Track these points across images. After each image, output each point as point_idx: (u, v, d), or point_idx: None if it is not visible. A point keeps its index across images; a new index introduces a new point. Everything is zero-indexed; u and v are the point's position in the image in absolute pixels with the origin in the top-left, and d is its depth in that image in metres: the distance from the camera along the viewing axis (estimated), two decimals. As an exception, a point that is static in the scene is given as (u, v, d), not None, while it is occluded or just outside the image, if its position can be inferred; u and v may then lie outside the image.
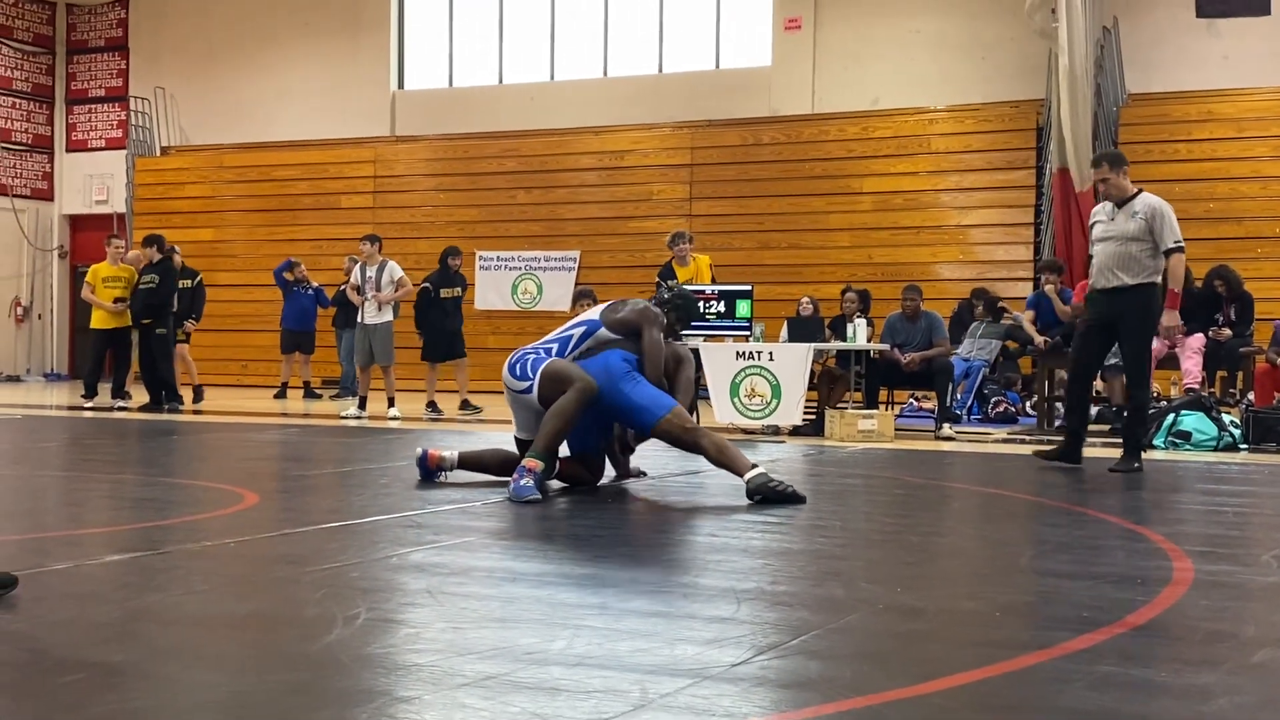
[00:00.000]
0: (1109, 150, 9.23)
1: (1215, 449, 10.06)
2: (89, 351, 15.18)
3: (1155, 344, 11.67)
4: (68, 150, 23.83)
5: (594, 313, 7.13)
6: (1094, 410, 12.59)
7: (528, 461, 6.41)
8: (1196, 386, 11.51)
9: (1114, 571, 4.56)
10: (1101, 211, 8.55)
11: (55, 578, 4.18)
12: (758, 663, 3.13)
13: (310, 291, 17.26)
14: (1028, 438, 11.26)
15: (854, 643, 3.45)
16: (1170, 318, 8.33)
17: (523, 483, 6.28)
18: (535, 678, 2.94)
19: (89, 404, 14.24)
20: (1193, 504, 7.17)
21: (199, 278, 15.57)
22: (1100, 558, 4.92)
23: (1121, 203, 8.38)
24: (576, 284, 16.95)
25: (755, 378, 11.19)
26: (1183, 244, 8.26)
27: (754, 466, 6.35)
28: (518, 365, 6.89)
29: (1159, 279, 8.27)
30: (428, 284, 14.04)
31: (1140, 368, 8.44)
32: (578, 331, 7.00)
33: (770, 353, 11.23)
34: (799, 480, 6.83)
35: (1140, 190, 8.49)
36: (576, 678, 2.96)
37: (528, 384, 6.76)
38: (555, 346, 6.94)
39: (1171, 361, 11.89)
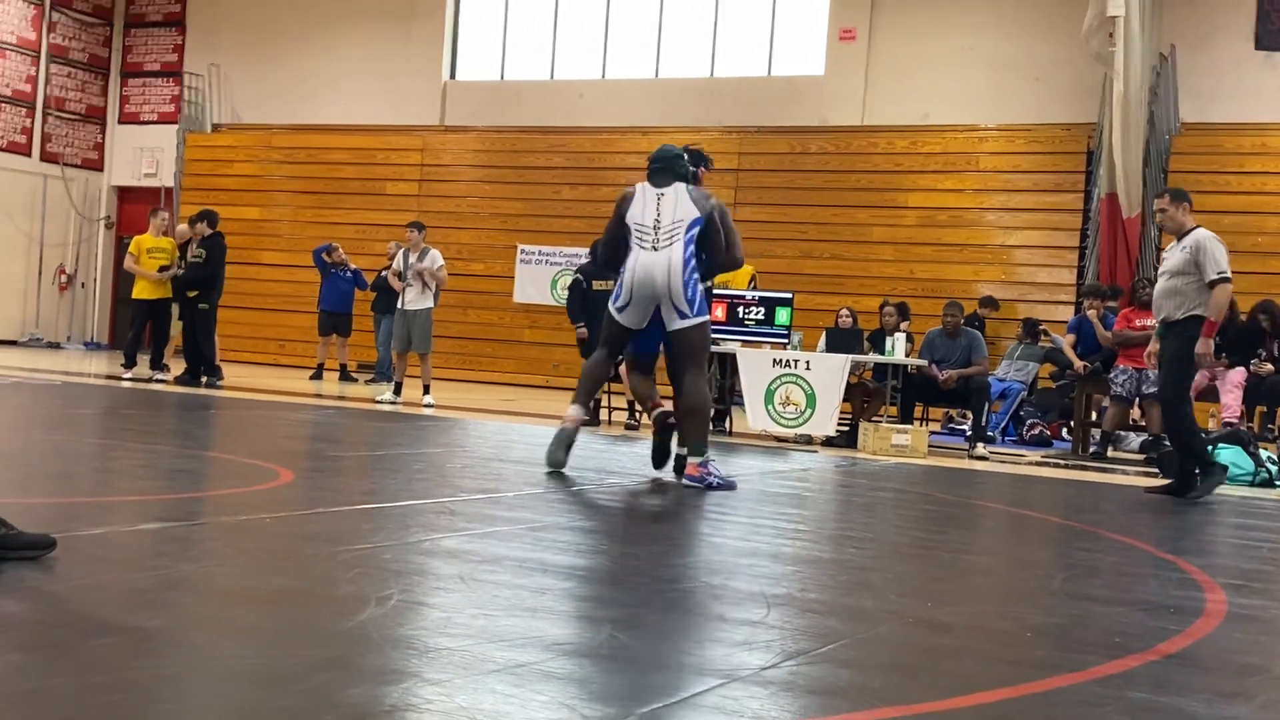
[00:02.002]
0: (1176, 187, 9.23)
1: (1251, 484, 9.97)
2: (129, 322, 15.28)
3: (1199, 377, 11.67)
4: (120, 122, 24.03)
5: (689, 210, 7.15)
6: (1135, 439, 12.53)
7: (694, 468, 6.84)
8: (1235, 421, 11.43)
9: (1146, 599, 4.53)
10: (1167, 249, 8.66)
11: (90, 542, 4.22)
12: (786, 668, 3.12)
13: (348, 274, 17.33)
14: (1062, 462, 11.20)
15: (883, 654, 3.44)
16: (1204, 345, 8.27)
17: (713, 480, 6.79)
18: (564, 669, 2.95)
19: (128, 374, 14.34)
20: (1227, 537, 7.11)
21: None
22: (1133, 585, 4.89)
23: (1179, 237, 8.40)
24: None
25: (791, 386, 11.17)
26: (1228, 275, 8.21)
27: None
28: (690, 286, 7.04)
29: (1204, 312, 8.24)
30: (579, 274, 12.70)
31: (1169, 394, 8.41)
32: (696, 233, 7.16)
33: (807, 362, 11.21)
34: (830, 491, 6.82)
35: (1197, 226, 8.46)
36: (606, 671, 2.97)
37: (700, 319, 7.09)
38: (693, 263, 7.11)
39: (1211, 394, 11.81)
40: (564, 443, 7.10)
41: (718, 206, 7.21)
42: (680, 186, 7.14)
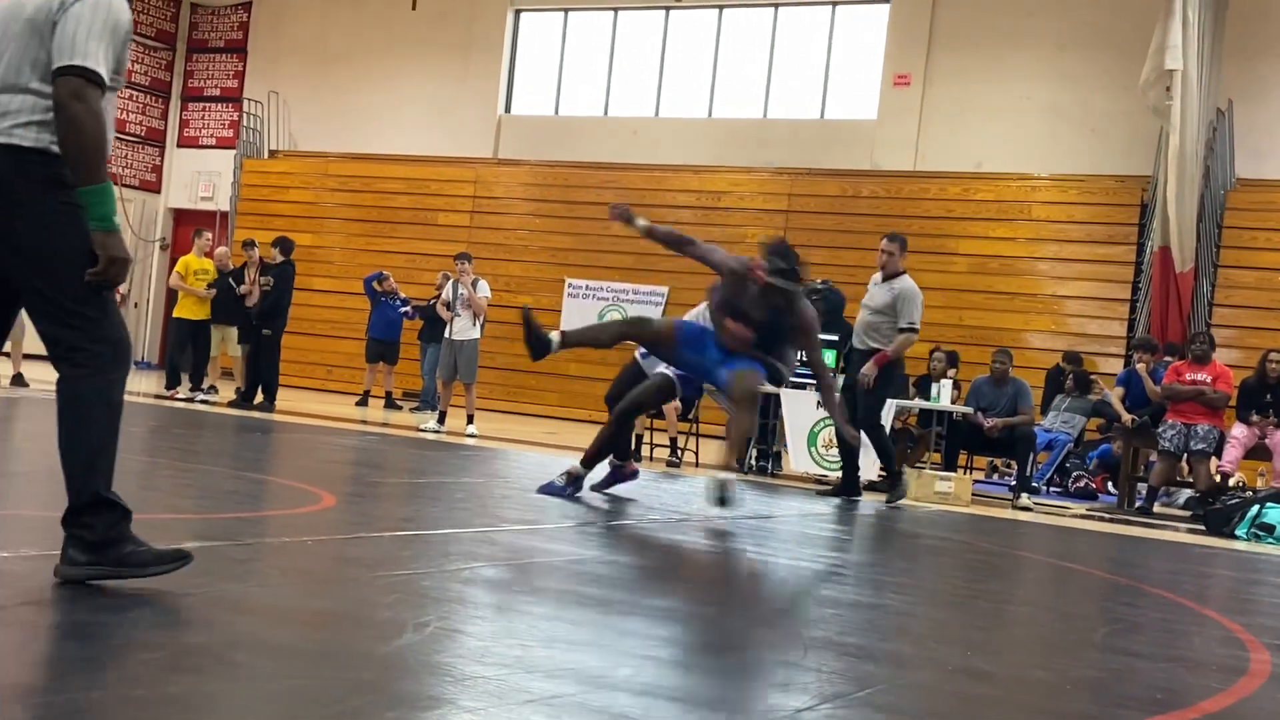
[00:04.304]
0: (901, 235, 10.56)
1: (1300, 545, 9.83)
2: (171, 340, 15.41)
3: (1244, 433, 11.55)
4: (178, 145, 24.34)
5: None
6: (1183, 496, 12.40)
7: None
8: (1286, 480, 11.29)
9: (1189, 656, 4.48)
10: (872, 282, 10.07)
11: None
12: (823, 710, 3.10)
13: (398, 304, 17.44)
14: (1107, 515, 11.09)
15: (921, 701, 3.41)
16: (870, 368, 9.60)
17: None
18: (600, 702, 2.94)
19: (181, 395, 14.41)
20: (1272, 596, 7.01)
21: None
22: (1175, 641, 4.83)
23: (888, 279, 9.88)
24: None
25: (834, 429, 11.12)
26: (918, 327, 9.79)
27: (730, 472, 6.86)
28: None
29: (886, 347, 9.67)
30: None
31: (865, 417, 9.67)
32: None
33: (852, 405, 11.15)
34: (871, 535, 6.78)
35: (905, 273, 9.90)
36: (642, 706, 2.96)
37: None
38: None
39: (1261, 452, 11.67)
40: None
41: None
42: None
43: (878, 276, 10.06)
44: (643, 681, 3.19)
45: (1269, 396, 11.61)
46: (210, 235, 15.76)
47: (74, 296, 3.50)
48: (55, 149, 3.47)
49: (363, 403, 17.14)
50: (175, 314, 14.87)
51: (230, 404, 14.12)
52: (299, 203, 22.13)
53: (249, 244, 15.20)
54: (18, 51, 3.55)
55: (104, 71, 3.48)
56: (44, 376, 15.65)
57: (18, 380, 13.66)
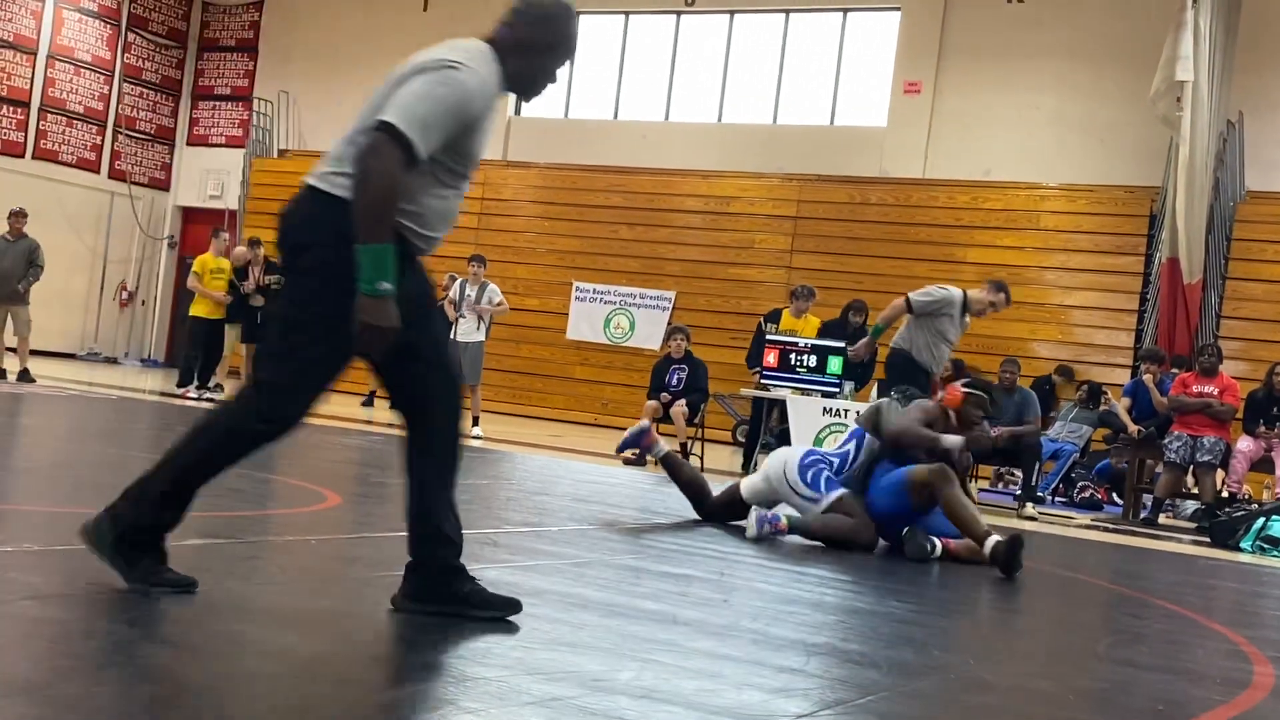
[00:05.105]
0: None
1: (1305, 558, 9.81)
2: (186, 339, 15.44)
3: (1250, 446, 11.53)
4: (188, 144, 24.39)
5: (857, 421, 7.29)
6: (1189, 507, 12.37)
7: (782, 524, 6.73)
8: (1291, 492, 11.27)
9: (1192, 668, 4.47)
10: None
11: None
12: (824, 716, 3.10)
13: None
14: (1112, 526, 11.07)
15: (923, 708, 3.41)
16: None
17: (764, 528, 6.67)
18: (601, 705, 2.94)
19: (193, 393, 14.43)
20: (1277, 610, 7.00)
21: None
22: (1178, 653, 4.82)
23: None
24: (669, 324, 17.01)
25: (840, 435, 11.11)
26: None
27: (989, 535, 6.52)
28: (809, 472, 7.00)
29: None
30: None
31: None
32: (851, 447, 7.17)
33: (858, 411, 11.15)
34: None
35: None
36: (641, 710, 2.96)
37: (818, 498, 6.89)
38: (836, 462, 7.10)
39: (1268, 465, 11.65)
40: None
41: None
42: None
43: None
44: (643, 685, 3.19)
45: (1276, 409, 11.59)
46: (228, 235, 15.78)
47: (277, 332, 3.58)
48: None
49: (368, 403, 17.15)
50: (191, 313, 14.90)
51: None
52: (308, 202, 22.12)
53: (254, 242, 15.24)
54: (367, 108, 3.59)
55: (417, 141, 3.39)
56: (51, 373, 15.69)
57: (24, 376, 13.69)
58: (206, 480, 3.55)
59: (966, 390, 7.26)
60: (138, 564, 3.52)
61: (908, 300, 10.31)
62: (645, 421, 7.74)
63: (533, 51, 3.68)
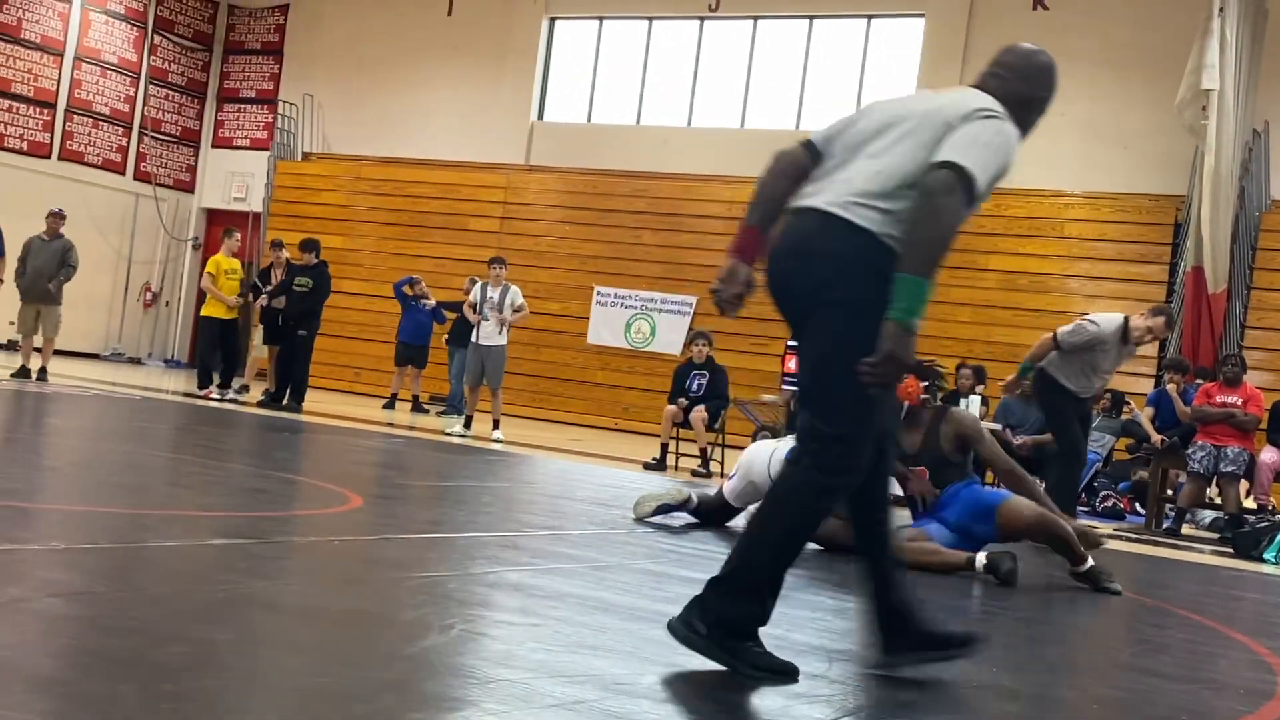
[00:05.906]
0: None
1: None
2: (201, 339, 15.48)
3: (1274, 456, 11.46)
4: (213, 146, 24.50)
5: None
6: (1207, 516, 12.31)
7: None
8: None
9: (1215, 679, 4.44)
10: None
11: (161, 554, 4.28)
12: (846, 722, 3.09)
13: (427, 308, 17.49)
14: (1134, 536, 11.02)
15: (944, 716, 3.39)
16: None
17: None
18: (624, 708, 2.94)
19: (215, 394, 14.47)
20: (1301, 622, 6.95)
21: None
22: (1202, 663, 4.80)
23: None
24: (690, 329, 17.01)
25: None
26: None
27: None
28: None
29: None
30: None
31: None
32: None
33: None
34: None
35: None
36: (664, 713, 2.96)
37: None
38: None
39: (1290, 477, 11.59)
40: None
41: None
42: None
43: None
44: (665, 689, 3.19)
45: (1300, 420, 11.53)
46: (239, 235, 15.85)
47: (827, 382, 3.42)
48: (888, 242, 3.41)
49: (390, 405, 17.19)
50: (203, 313, 14.95)
51: (259, 404, 14.18)
52: (331, 205, 22.23)
53: (276, 244, 15.30)
54: (870, 136, 3.62)
55: (981, 186, 3.37)
56: (74, 373, 15.77)
57: (40, 376, 13.75)
58: (793, 556, 3.46)
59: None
60: (741, 652, 3.41)
61: (1055, 338, 9.79)
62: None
63: (1023, 107, 3.65)
